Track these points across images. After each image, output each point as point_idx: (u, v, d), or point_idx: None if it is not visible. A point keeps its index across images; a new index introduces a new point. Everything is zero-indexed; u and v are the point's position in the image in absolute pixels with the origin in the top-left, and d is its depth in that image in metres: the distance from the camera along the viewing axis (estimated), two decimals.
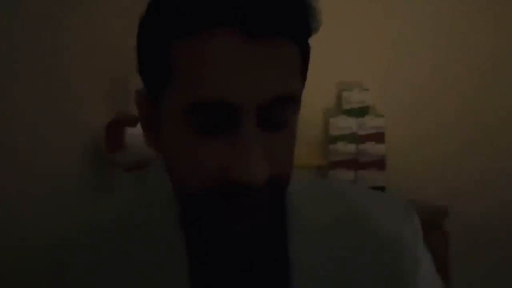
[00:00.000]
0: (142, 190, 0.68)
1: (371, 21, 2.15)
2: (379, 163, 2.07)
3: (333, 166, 2.07)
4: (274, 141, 0.55)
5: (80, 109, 1.70)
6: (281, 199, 0.59)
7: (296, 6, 0.54)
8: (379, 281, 0.64)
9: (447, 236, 1.87)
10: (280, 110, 0.54)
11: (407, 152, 2.15)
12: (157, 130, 0.59)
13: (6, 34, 1.42)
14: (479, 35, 2.16)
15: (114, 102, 1.78)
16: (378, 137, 2.08)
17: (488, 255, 2.15)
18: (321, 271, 0.63)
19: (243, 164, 0.52)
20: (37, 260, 0.67)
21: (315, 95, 2.10)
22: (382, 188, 2.05)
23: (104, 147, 1.71)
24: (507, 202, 2.16)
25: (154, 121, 0.59)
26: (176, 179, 0.58)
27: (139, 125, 1.64)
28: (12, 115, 1.43)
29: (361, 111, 2.09)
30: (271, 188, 0.55)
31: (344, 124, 2.08)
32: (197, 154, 0.54)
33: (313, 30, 0.57)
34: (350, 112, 2.09)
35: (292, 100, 0.54)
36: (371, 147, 2.07)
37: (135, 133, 1.66)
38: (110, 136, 1.69)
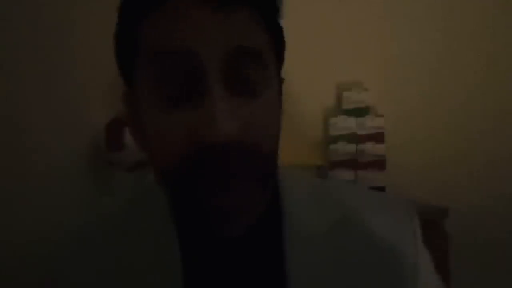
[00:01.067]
0: (140, 190, 0.68)
1: (371, 21, 2.15)
2: (379, 163, 2.07)
3: (333, 166, 2.07)
4: (247, 108, 0.54)
5: (80, 109, 1.70)
6: (266, 177, 0.57)
7: None
8: (378, 287, 0.64)
9: (447, 236, 1.87)
10: (246, 67, 0.54)
11: (407, 152, 2.15)
12: (138, 123, 0.59)
13: (7, 34, 1.42)
14: (480, 35, 2.16)
15: (114, 102, 1.77)
16: (378, 137, 2.07)
17: (488, 255, 2.15)
18: (318, 276, 0.62)
19: (207, 120, 0.51)
20: (36, 260, 0.66)
21: (315, 95, 2.10)
22: (382, 188, 2.04)
23: (104, 147, 1.71)
24: (507, 202, 2.16)
25: (136, 115, 0.60)
26: (155, 165, 0.58)
27: None
28: (12, 115, 1.43)
29: (361, 111, 2.09)
30: (247, 155, 0.53)
31: (344, 124, 2.07)
32: (165, 126, 0.54)
33: (276, 5, 0.58)
34: (350, 112, 2.09)
35: (256, 55, 0.54)
36: (371, 147, 2.07)
37: None
38: (110, 136, 1.69)
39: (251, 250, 0.62)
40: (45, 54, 1.56)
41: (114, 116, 1.72)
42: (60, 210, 1.52)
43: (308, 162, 2.06)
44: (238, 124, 0.52)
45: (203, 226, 0.57)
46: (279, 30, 0.59)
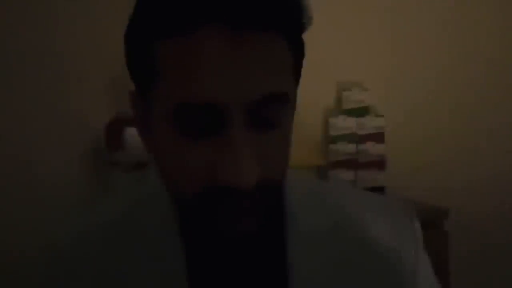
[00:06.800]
0: (141, 190, 0.67)
1: (372, 21, 2.15)
2: (379, 163, 2.07)
3: (333, 166, 2.07)
4: (266, 142, 0.53)
5: (80, 109, 1.70)
6: (275, 201, 0.58)
7: (284, 2, 0.52)
8: None
9: (447, 236, 1.87)
10: (270, 109, 0.52)
11: (407, 152, 2.15)
12: (149, 131, 0.59)
13: (5, 34, 1.42)
14: (481, 35, 2.16)
15: (114, 102, 1.78)
16: (378, 137, 2.07)
17: (488, 255, 2.15)
18: (320, 277, 0.62)
19: (231, 167, 0.51)
20: (36, 262, 0.66)
21: (315, 95, 2.10)
22: (382, 188, 2.04)
23: (104, 147, 1.71)
24: (507, 202, 2.16)
25: (146, 122, 0.58)
26: (166, 181, 0.57)
27: None
28: (12, 115, 1.43)
29: (361, 111, 2.09)
30: (262, 190, 0.53)
31: (344, 124, 2.07)
32: (184, 158, 0.53)
33: (303, 25, 0.56)
34: (350, 112, 2.09)
35: (282, 99, 0.53)
36: (371, 147, 2.07)
37: (135, 133, 1.66)
38: (110, 136, 1.69)
39: (254, 250, 0.63)
40: (45, 54, 1.56)
41: (114, 116, 1.72)
42: (60, 210, 1.52)
43: (308, 162, 2.06)
44: (259, 164, 0.52)
45: (210, 240, 0.60)
46: (302, 46, 0.58)
